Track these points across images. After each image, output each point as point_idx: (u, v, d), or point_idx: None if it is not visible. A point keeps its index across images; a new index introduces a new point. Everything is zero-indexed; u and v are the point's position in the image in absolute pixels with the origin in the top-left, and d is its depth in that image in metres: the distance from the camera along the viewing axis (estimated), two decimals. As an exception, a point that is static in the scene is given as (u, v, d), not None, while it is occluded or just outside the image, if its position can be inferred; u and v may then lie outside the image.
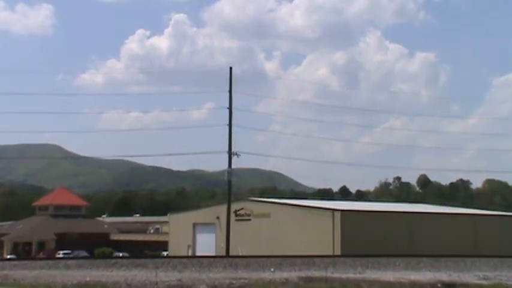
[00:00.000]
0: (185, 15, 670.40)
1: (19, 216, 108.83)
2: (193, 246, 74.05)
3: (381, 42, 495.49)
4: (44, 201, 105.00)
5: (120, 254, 71.27)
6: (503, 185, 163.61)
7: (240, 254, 53.59)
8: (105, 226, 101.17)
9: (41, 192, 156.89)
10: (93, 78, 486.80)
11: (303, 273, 33.68)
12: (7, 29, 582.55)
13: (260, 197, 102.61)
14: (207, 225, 71.69)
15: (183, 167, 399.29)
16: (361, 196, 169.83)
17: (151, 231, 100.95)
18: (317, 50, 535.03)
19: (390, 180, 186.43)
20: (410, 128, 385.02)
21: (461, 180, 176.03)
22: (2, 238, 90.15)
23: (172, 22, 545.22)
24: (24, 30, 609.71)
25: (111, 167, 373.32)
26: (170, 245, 77.47)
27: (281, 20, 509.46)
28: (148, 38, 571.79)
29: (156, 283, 27.95)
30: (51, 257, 55.13)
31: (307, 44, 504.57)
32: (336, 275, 33.27)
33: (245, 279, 30.64)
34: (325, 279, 30.67)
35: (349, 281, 30.86)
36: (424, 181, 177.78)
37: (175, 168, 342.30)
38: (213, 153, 64.32)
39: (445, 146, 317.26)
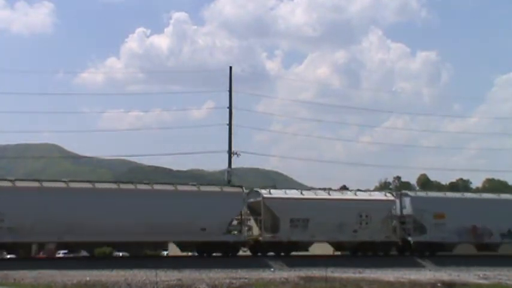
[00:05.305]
0: (185, 14, 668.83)
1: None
2: (193, 245, 73.93)
3: (383, 41, 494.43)
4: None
5: (120, 254, 71.16)
6: (503, 184, 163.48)
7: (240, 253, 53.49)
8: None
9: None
10: (92, 77, 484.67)
11: (303, 273, 33.67)
12: (6, 28, 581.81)
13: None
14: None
15: (183, 167, 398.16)
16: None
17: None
18: (318, 49, 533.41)
19: (390, 180, 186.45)
20: (411, 127, 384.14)
21: (461, 179, 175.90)
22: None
23: (172, 21, 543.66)
24: (23, 29, 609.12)
25: (111, 167, 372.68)
26: (170, 245, 77.29)
27: (282, 19, 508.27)
28: (148, 36, 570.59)
29: (156, 283, 27.96)
30: (51, 256, 54.98)
31: (308, 42, 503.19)
32: (336, 274, 33.25)
33: (245, 278, 30.65)
34: (325, 279, 30.66)
35: (349, 281, 30.86)
36: (424, 180, 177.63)
37: (175, 168, 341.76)
38: (213, 153, 63.98)
39: (445, 145, 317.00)
